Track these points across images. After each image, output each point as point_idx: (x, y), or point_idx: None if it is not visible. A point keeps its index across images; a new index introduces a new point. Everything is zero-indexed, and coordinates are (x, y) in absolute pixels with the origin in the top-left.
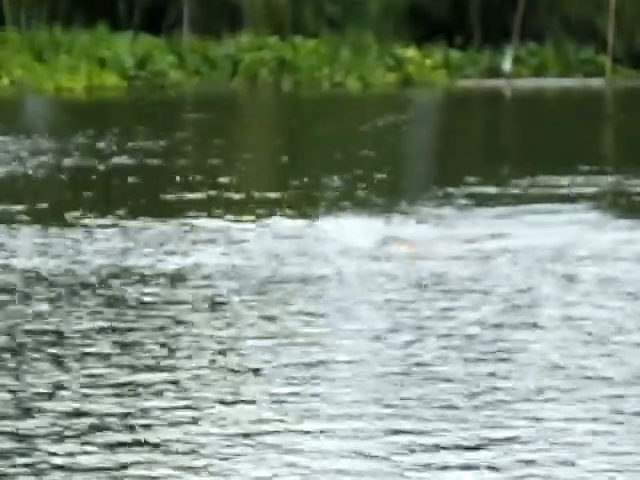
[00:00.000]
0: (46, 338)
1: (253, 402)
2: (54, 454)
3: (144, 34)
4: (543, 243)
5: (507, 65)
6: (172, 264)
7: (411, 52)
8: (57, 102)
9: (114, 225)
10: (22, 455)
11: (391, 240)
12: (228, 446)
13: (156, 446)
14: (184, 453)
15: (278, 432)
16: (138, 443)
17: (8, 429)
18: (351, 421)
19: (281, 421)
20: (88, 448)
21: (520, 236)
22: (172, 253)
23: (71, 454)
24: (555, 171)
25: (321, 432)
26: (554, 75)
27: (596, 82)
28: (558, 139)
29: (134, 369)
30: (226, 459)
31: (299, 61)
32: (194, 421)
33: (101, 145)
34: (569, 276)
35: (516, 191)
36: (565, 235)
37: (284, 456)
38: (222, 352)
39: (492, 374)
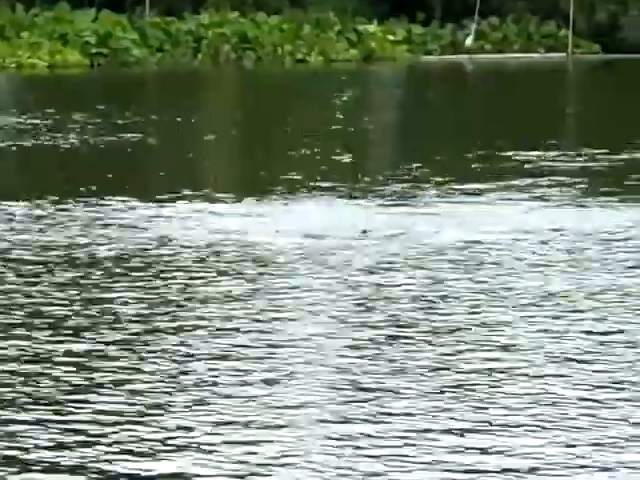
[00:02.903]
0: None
1: None
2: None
3: (106, 12)
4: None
5: (469, 40)
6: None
7: (373, 28)
8: (19, 79)
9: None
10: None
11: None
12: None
13: None
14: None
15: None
16: None
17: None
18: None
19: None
20: None
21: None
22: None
23: None
24: (516, 146)
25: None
26: (516, 50)
27: (558, 56)
28: (519, 113)
29: None
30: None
31: (261, 38)
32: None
33: (61, 122)
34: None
35: (475, 165)
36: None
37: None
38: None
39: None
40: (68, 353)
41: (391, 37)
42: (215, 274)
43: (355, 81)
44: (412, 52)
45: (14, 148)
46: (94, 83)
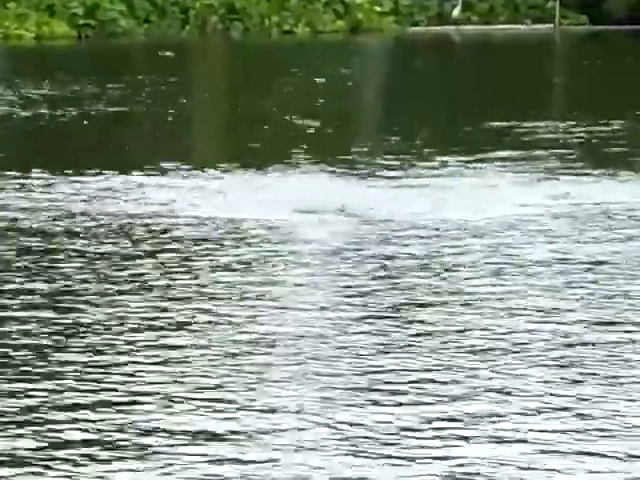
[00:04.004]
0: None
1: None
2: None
3: None
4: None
5: (456, 11)
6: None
7: None
8: (5, 50)
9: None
10: None
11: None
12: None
13: None
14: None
15: None
16: None
17: None
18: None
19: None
20: None
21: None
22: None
23: None
24: (505, 117)
25: None
26: (503, 21)
27: (545, 27)
28: (506, 85)
29: None
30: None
31: (249, 9)
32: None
33: (47, 93)
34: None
35: (461, 135)
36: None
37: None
38: None
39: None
40: None
41: (378, 8)
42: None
43: (343, 52)
44: (399, 23)
45: None
46: (81, 55)
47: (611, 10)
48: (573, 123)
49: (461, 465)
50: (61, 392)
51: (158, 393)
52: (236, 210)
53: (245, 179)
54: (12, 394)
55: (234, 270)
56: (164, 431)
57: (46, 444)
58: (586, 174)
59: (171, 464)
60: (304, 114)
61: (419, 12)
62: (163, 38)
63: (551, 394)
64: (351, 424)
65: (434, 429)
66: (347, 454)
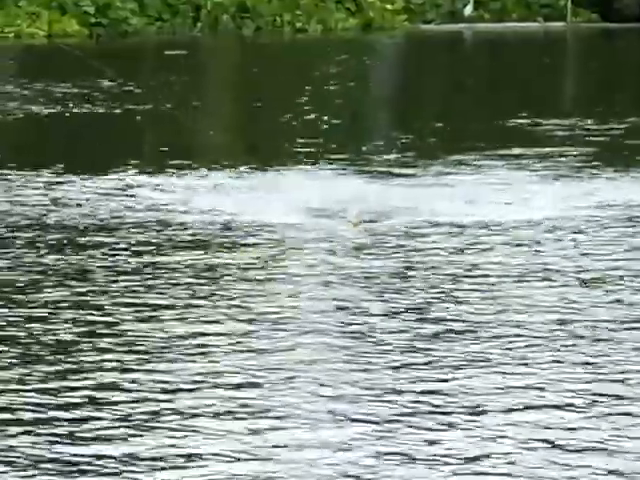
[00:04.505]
0: None
1: None
2: None
3: None
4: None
5: (468, 9)
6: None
7: None
8: (18, 49)
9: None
10: None
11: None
12: None
13: None
14: None
15: None
16: None
17: None
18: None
19: None
20: None
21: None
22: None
23: None
24: (522, 115)
25: None
26: (515, 19)
27: (557, 25)
28: (519, 83)
29: None
30: None
31: (260, 7)
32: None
33: (60, 91)
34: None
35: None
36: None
37: None
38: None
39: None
40: None
41: (390, 6)
42: None
43: (356, 50)
44: (411, 21)
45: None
46: (93, 53)
47: (623, 8)
48: (590, 121)
49: None
50: None
51: None
52: (253, 210)
53: (263, 178)
54: None
55: (254, 268)
56: None
57: None
58: (607, 172)
59: None
60: (322, 112)
61: (431, 10)
62: (174, 37)
63: None
64: None
65: None
66: None
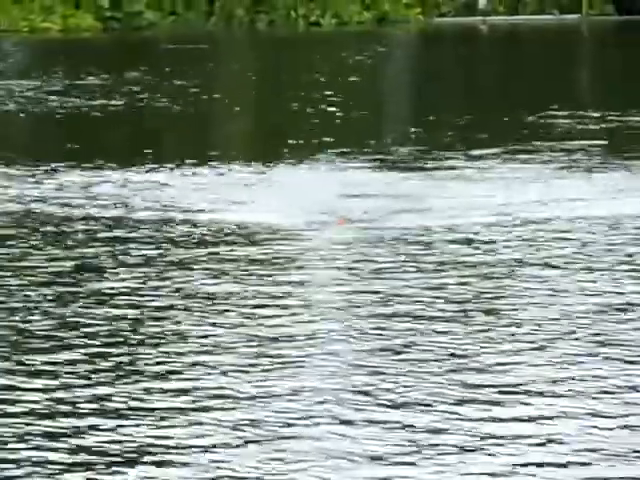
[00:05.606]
0: None
1: None
2: None
3: None
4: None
5: (483, 2)
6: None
7: None
8: (32, 43)
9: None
10: None
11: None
12: None
13: None
14: None
15: None
16: None
17: None
18: None
19: None
20: None
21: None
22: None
23: None
24: (539, 108)
25: None
26: (530, 11)
27: (572, 18)
28: (536, 77)
29: None
30: None
31: (274, 0)
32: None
33: (79, 86)
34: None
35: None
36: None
37: None
38: None
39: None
40: None
41: (404, 0)
42: None
43: (370, 43)
44: (425, 15)
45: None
46: (107, 47)
47: (635, 0)
48: (607, 113)
49: None
50: None
51: None
52: (269, 207)
53: (280, 174)
54: None
55: (275, 264)
56: None
57: None
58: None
59: None
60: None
61: (445, 3)
62: (189, 30)
63: None
64: None
65: None
66: None
